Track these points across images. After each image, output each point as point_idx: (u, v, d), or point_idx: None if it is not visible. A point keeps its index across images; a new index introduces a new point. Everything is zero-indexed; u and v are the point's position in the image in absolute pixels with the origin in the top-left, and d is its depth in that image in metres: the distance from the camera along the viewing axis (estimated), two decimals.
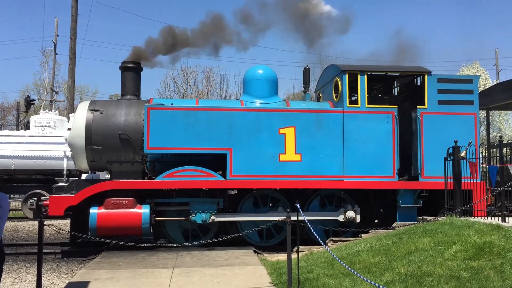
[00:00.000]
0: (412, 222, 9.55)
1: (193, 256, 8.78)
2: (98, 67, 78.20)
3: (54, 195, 9.79)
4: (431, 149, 10.05)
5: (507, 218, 7.97)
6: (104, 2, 77.35)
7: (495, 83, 27.34)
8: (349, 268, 5.74)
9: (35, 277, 6.70)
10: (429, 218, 9.45)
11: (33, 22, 78.02)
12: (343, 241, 9.44)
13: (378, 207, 10.85)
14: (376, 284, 4.80)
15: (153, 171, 10.22)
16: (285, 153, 9.88)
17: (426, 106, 10.19)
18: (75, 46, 24.35)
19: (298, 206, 7.44)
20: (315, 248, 9.24)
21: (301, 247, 8.38)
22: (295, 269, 6.57)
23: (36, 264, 6.64)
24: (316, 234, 7.31)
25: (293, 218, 6.77)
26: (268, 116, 9.94)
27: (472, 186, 9.00)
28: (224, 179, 9.77)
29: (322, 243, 6.84)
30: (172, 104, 10.17)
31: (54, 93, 33.73)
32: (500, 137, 10.32)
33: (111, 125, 9.97)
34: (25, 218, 16.59)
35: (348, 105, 10.13)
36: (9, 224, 15.04)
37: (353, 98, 10.55)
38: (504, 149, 12.19)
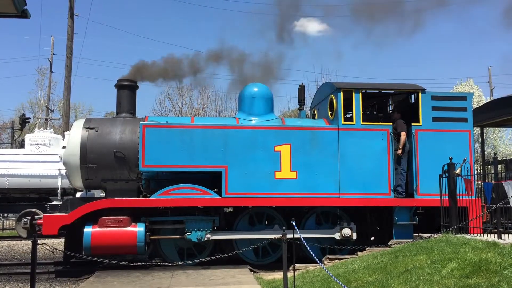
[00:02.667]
0: (408, 240, 9.52)
1: (189, 275, 8.70)
2: (93, 85, 78.40)
3: (48, 214, 9.71)
4: (426, 166, 10.07)
5: (503, 235, 7.95)
6: (100, 21, 77.89)
7: (488, 100, 27.55)
8: (346, 287, 5.69)
9: None
10: (425, 235, 9.42)
11: (29, 41, 78.34)
12: (340, 259, 9.39)
13: (374, 224, 10.82)
14: None
15: (148, 189, 10.17)
16: (280, 171, 9.87)
17: (420, 123, 10.24)
18: (70, 64, 24.45)
19: (294, 224, 7.43)
20: (311, 266, 9.18)
21: (297, 265, 8.34)
22: None
23: (29, 284, 6.55)
24: (312, 252, 7.27)
25: (289, 235, 6.73)
26: (263, 134, 9.96)
27: (467, 203, 9.00)
28: (220, 197, 9.74)
29: (318, 261, 6.80)
30: (167, 122, 10.18)
31: (49, 111, 33.73)
32: (495, 154, 10.36)
33: (106, 143, 9.95)
34: (18, 237, 16.40)
35: (343, 122, 10.17)
36: (2, 244, 14.90)
37: (348, 116, 10.59)
38: (499, 166, 12.21)
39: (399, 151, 10.13)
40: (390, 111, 11.21)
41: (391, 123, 10.35)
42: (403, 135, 10.12)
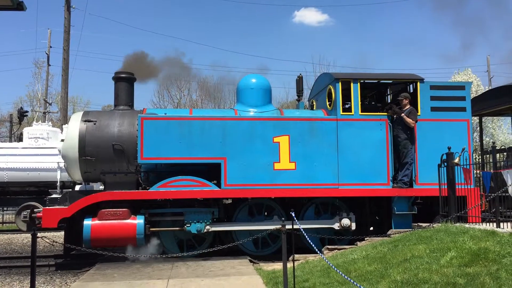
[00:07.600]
0: (407, 229, 9.55)
1: (189, 267, 8.73)
2: (90, 78, 78.14)
3: (47, 207, 9.72)
4: (425, 156, 10.08)
5: (501, 224, 7.99)
6: (97, 13, 77.53)
7: (487, 89, 27.53)
8: (345, 276, 5.73)
9: None
10: (424, 225, 9.45)
11: (26, 34, 78.01)
12: (339, 249, 9.42)
13: (373, 214, 10.85)
14: None
15: (147, 181, 10.17)
16: (279, 162, 9.88)
17: (419, 113, 10.23)
18: (68, 57, 24.35)
19: (293, 215, 7.44)
20: (310, 257, 9.21)
21: (296, 255, 8.36)
22: (291, 278, 6.54)
23: (29, 277, 6.57)
24: (311, 243, 7.29)
25: (288, 226, 6.75)
26: (262, 125, 9.95)
27: (466, 192, 9.02)
28: (219, 189, 9.75)
29: (318, 251, 6.82)
30: (166, 114, 10.16)
31: (47, 104, 33.65)
32: (493, 143, 10.33)
33: (104, 136, 9.93)
34: (18, 231, 16.46)
35: (341, 113, 10.16)
36: (2, 237, 14.94)
37: (347, 106, 10.58)
38: (498, 155, 12.22)
39: (396, 113, 9.98)
40: (398, 99, 10.91)
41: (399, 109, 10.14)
42: (413, 121, 9.96)
